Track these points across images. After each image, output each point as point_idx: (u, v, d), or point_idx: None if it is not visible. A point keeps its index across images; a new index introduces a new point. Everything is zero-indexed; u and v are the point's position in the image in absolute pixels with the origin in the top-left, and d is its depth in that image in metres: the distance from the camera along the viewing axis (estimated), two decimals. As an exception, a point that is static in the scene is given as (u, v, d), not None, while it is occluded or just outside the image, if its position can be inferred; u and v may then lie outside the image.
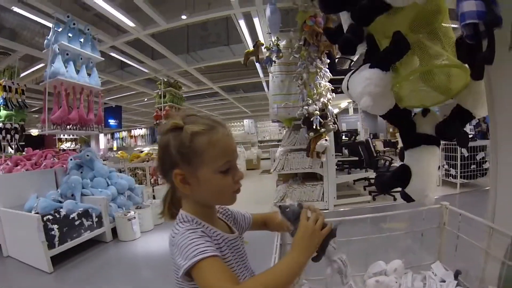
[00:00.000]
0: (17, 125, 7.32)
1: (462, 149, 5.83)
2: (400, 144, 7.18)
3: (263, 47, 5.88)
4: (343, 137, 7.63)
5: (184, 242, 0.80)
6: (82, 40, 5.39)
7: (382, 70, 1.20)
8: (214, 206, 1.02)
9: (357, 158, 6.57)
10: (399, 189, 1.59)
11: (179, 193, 0.96)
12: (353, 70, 1.41)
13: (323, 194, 5.68)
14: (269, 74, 6.33)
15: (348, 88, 1.42)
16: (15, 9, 5.52)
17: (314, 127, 5.01)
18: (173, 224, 0.92)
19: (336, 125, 5.43)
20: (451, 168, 6.15)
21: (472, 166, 5.98)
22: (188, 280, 0.81)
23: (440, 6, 1.19)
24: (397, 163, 6.98)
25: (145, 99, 13.82)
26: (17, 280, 3.73)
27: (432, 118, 1.44)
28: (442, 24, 1.22)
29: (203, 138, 0.86)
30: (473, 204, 4.98)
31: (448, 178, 6.22)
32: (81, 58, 5.32)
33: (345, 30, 1.41)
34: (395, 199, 5.80)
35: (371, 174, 6.36)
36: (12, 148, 7.21)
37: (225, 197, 0.94)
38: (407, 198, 1.57)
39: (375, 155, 6.78)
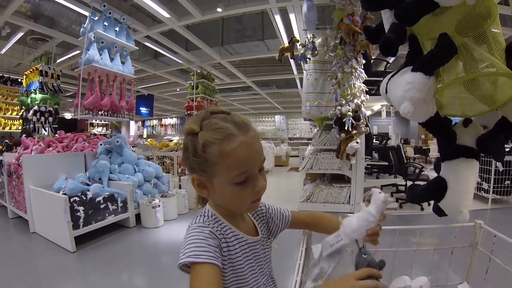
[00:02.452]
0: (51, 108, 7.57)
1: (497, 163, 5.56)
2: (432, 153, 7.07)
3: (298, 44, 5.79)
4: (374, 140, 7.45)
5: (189, 238, 0.80)
6: (117, 29, 5.48)
7: (425, 75, 1.11)
8: None
9: (386, 163, 6.40)
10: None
11: None
12: (392, 72, 1.32)
13: (349, 197, 5.57)
14: (303, 71, 6.24)
15: (386, 91, 1.33)
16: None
17: (346, 128, 4.90)
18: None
19: (368, 127, 5.30)
20: (483, 182, 5.86)
21: (506, 182, 5.67)
22: (185, 271, 0.79)
23: (491, 9, 1.09)
24: (427, 172, 6.82)
25: (177, 89, 14.00)
26: (41, 255, 3.85)
27: (474, 130, 1.34)
28: (492, 28, 1.13)
29: (215, 148, 0.80)
30: (504, 222, 4.77)
31: (479, 192, 5.92)
32: (116, 47, 5.42)
33: (386, 30, 1.33)
34: (422, 209, 5.63)
35: (400, 180, 6.18)
36: (45, 130, 7.43)
37: (243, 207, 0.89)
38: (439, 212, 1.48)
39: (405, 161, 6.58)
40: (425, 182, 5.05)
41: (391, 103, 1.33)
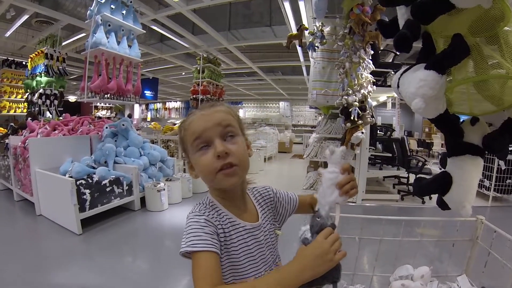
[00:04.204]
0: (56, 91, 7.60)
1: (500, 161, 5.55)
2: (436, 147, 7.08)
3: (306, 32, 5.74)
4: (378, 131, 7.45)
5: (187, 227, 0.86)
6: (124, 12, 5.43)
7: (438, 73, 1.13)
8: (234, 191, 0.97)
9: (390, 155, 6.41)
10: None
11: None
12: (405, 68, 1.33)
13: (352, 186, 5.58)
14: (311, 59, 6.20)
15: (398, 86, 1.35)
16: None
17: (351, 118, 4.90)
18: None
19: (373, 118, 5.29)
20: (485, 179, 5.84)
21: (508, 181, 5.64)
22: (187, 257, 0.85)
23: (504, 12, 1.10)
24: (430, 165, 6.83)
25: (183, 73, 13.95)
26: (47, 238, 3.92)
27: (480, 128, 1.36)
28: (504, 31, 1.14)
29: (182, 127, 0.98)
30: (504, 220, 4.80)
31: (481, 189, 5.89)
32: (123, 30, 5.39)
33: (400, 25, 1.34)
34: (423, 202, 5.69)
35: (403, 173, 6.20)
36: (51, 113, 7.48)
37: (213, 178, 0.90)
38: (443, 206, 1.50)
39: (408, 154, 6.58)
40: (427, 175, 5.06)
41: (402, 98, 1.35)
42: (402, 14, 1.34)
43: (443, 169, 1.49)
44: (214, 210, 0.92)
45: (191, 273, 0.79)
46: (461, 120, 1.41)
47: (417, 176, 5.48)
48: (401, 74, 1.34)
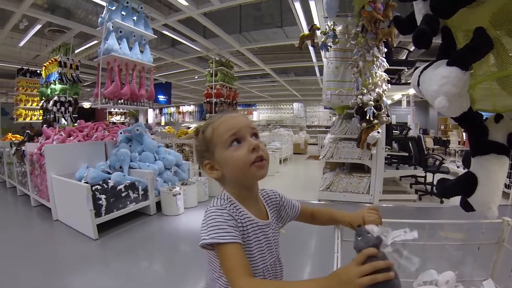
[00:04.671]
0: (71, 98, 7.75)
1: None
2: (452, 144, 6.94)
3: (318, 32, 5.69)
4: (394, 130, 7.34)
5: (210, 220, 0.90)
6: (135, 18, 5.48)
7: (461, 69, 1.08)
8: (251, 189, 1.06)
9: (406, 154, 6.29)
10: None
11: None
12: (425, 65, 1.28)
13: (369, 187, 5.52)
14: (323, 59, 6.14)
15: (418, 84, 1.30)
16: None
17: (367, 117, 4.84)
18: None
19: (389, 117, 5.21)
20: (506, 178, 5.66)
21: None
22: (207, 249, 0.94)
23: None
24: (447, 164, 6.68)
25: (196, 77, 14.02)
26: (64, 242, 3.96)
27: (505, 125, 1.29)
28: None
29: (209, 127, 1.02)
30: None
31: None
32: (134, 36, 5.43)
33: (418, 21, 1.29)
34: (442, 202, 5.54)
35: (420, 172, 6.08)
36: (65, 120, 7.59)
37: (247, 170, 0.96)
38: (467, 207, 1.45)
39: (425, 152, 6.45)
40: (445, 174, 4.91)
41: (423, 96, 1.30)
42: (420, 9, 1.29)
43: (466, 170, 1.44)
44: (232, 206, 0.98)
45: (207, 275, 0.89)
46: (484, 118, 1.35)
47: (440, 178, 5.37)
48: (421, 72, 1.28)
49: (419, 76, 1.29)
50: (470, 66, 1.11)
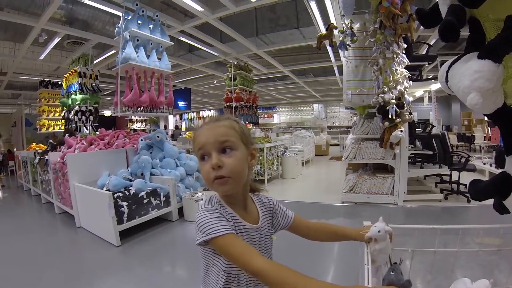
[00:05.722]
0: (91, 108, 7.95)
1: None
2: (478, 140, 6.70)
3: (336, 30, 5.60)
4: (417, 128, 7.15)
5: (202, 219, 0.94)
6: (151, 26, 5.50)
7: (494, 62, 0.99)
8: (235, 195, 1.06)
9: (430, 152, 6.10)
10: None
11: None
12: (453, 59, 1.19)
13: (393, 187, 5.36)
14: (342, 59, 6.03)
15: (447, 80, 1.21)
16: (86, 1, 5.92)
17: (389, 116, 4.70)
18: None
19: (412, 115, 5.06)
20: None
21: None
22: (202, 245, 0.97)
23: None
24: (473, 161, 6.45)
25: (215, 82, 14.08)
26: (87, 249, 4.01)
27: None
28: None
29: (193, 138, 1.08)
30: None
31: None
32: (151, 43, 5.46)
33: (442, 12, 1.21)
34: (469, 201, 5.30)
35: (445, 170, 5.87)
36: (87, 129, 7.75)
37: (210, 183, 1.00)
38: (502, 210, 1.35)
39: (450, 150, 6.24)
40: (471, 172, 4.67)
41: (452, 93, 1.22)
42: (444, 0, 1.21)
43: (501, 170, 1.34)
44: (222, 208, 1.02)
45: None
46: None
47: (473, 179, 5.17)
48: (449, 66, 1.20)
49: (447, 71, 1.20)
50: (503, 58, 1.03)
